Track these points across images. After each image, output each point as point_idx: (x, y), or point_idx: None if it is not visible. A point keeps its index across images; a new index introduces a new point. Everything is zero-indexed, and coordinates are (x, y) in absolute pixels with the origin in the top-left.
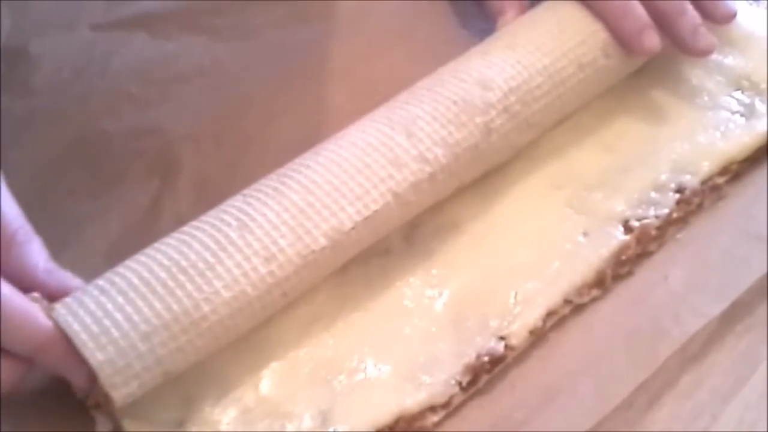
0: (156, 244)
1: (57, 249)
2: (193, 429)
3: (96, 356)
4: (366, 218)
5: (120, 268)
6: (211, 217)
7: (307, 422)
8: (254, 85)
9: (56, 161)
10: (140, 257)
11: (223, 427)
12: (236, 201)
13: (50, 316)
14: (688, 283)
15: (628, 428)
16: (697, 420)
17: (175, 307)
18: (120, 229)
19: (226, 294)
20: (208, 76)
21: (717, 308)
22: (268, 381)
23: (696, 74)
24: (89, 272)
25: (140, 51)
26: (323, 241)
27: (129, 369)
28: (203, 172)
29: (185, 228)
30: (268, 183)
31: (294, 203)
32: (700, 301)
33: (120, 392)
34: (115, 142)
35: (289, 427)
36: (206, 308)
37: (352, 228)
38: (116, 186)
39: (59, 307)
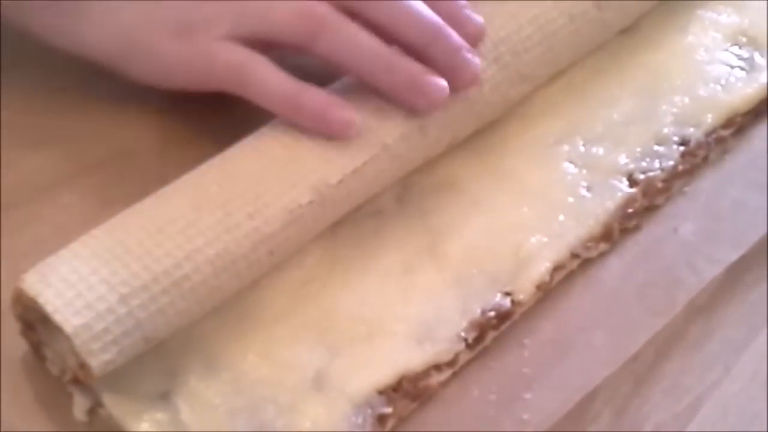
0: (132, 207)
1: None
2: (179, 401)
3: (71, 321)
4: (355, 170)
5: (93, 231)
6: (187, 176)
7: (302, 387)
8: None
9: None
10: (113, 220)
11: (210, 398)
12: (214, 160)
13: (17, 286)
14: (700, 233)
15: (634, 381)
16: (708, 372)
17: (154, 266)
18: None
19: (209, 251)
20: None
21: (733, 254)
22: (257, 348)
23: (691, 31)
24: None
25: None
26: (310, 195)
27: (107, 334)
28: None
29: (159, 191)
30: (247, 142)
31: (276, 157)
32: (715, 249)
33: (99, 359)
34: None
35: (282, 393)
36: (188, 267)
37: (341, 181)
38: None
39: (28, 275)
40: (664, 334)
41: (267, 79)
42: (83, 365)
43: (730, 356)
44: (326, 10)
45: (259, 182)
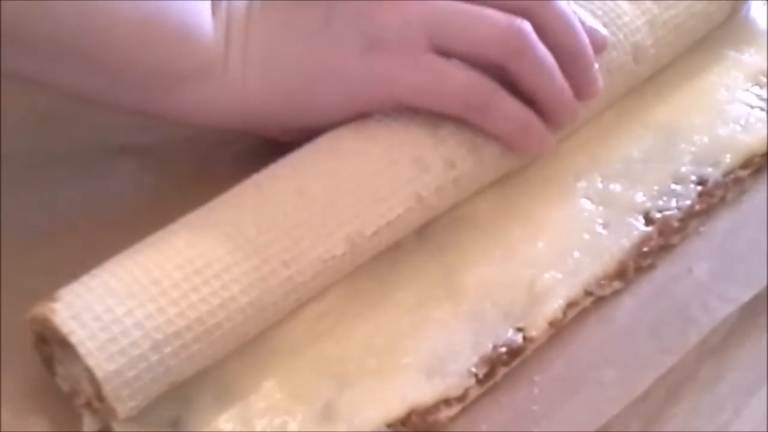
0: (163, 234)
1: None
2: (189, 428)
3: (103, 367)
4: (389, 222)
5: (127, 262)
6: (223, 205)
7: (311, 418)
8: None
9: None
10: (148, 250)
11: (221, 426)
12: (249, 190)
13: (48, 317)
14: (714, 273)
15: (644, 422)
16: (718, 414)
17: (189, 313)
18: None
19: (242, 299)
20: None
21: (747, 294)
22: (270, 377)
23: (713, 70)
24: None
25: None
26: (344, 247)
27: (137, 381)
28: None
29: (193, 217)
30: (284, 172)
31: (315, 198)
32: (728, 288)
33: (126, 405)
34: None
35: (292, 423)
36: (221, 315)
37: (375, 233)
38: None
39: (60, 308)
40: (675, 375)
41: (506, 107)
42: (109, 409)
43: (741, 399)
44: (530, 29)
45: (296, 227)
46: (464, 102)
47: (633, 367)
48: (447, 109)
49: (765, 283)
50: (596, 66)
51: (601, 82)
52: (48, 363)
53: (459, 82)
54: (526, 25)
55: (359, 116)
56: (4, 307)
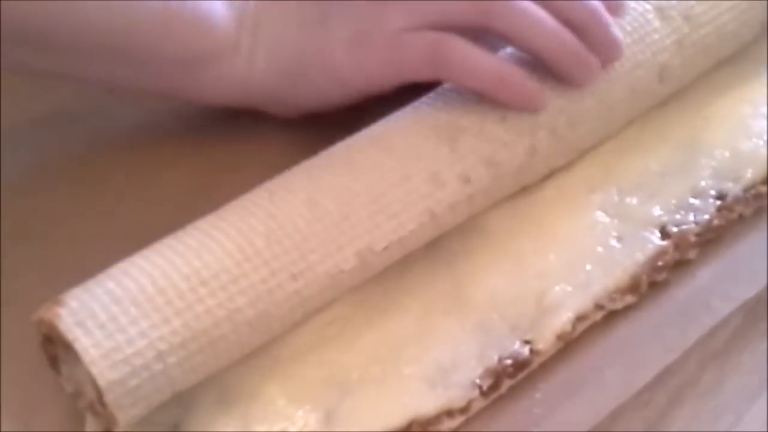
0: (171, 241)
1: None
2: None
3: (106, 376)
4: (401, 238)
5: (133, 270)
6: (234, 214)
7: (311, 424)
8: None
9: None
10: (155, 258)
11: (221, 430)
12: (261, 199)
13: (53, 322)
14: (717, 276)
15: (646, 427)
16: (720, 420)
17: (193, 324)
18: None
19: (249, 312)
20: None
21: (749, 292)
22: (272, 383)
23: (737, 84)
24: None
25: None
26: (354, 262)
27: (139, 390)
28: None
29: (203, 225)
30: (299, 183)
31: (328, 212)
32: (731, 288)
33: (127, 414)
34: None
35: (292, 429)
36: (226, 327)
37: (385, 248)
38: None
39: (66, 314)
40: (676, 380)
41: (468, 56)
42: (110, 415)
43: (743, 404)
44: None
45: (306, 240)
46: (428, 62)
47: (635, 367)
48: (414, 75)
49: (765, 282)
50: (615, 29)
51: (621, 41)
52: (54, 363)
53: (415, 46)
54: None
55: (357, 100)
56: (5, 308)
